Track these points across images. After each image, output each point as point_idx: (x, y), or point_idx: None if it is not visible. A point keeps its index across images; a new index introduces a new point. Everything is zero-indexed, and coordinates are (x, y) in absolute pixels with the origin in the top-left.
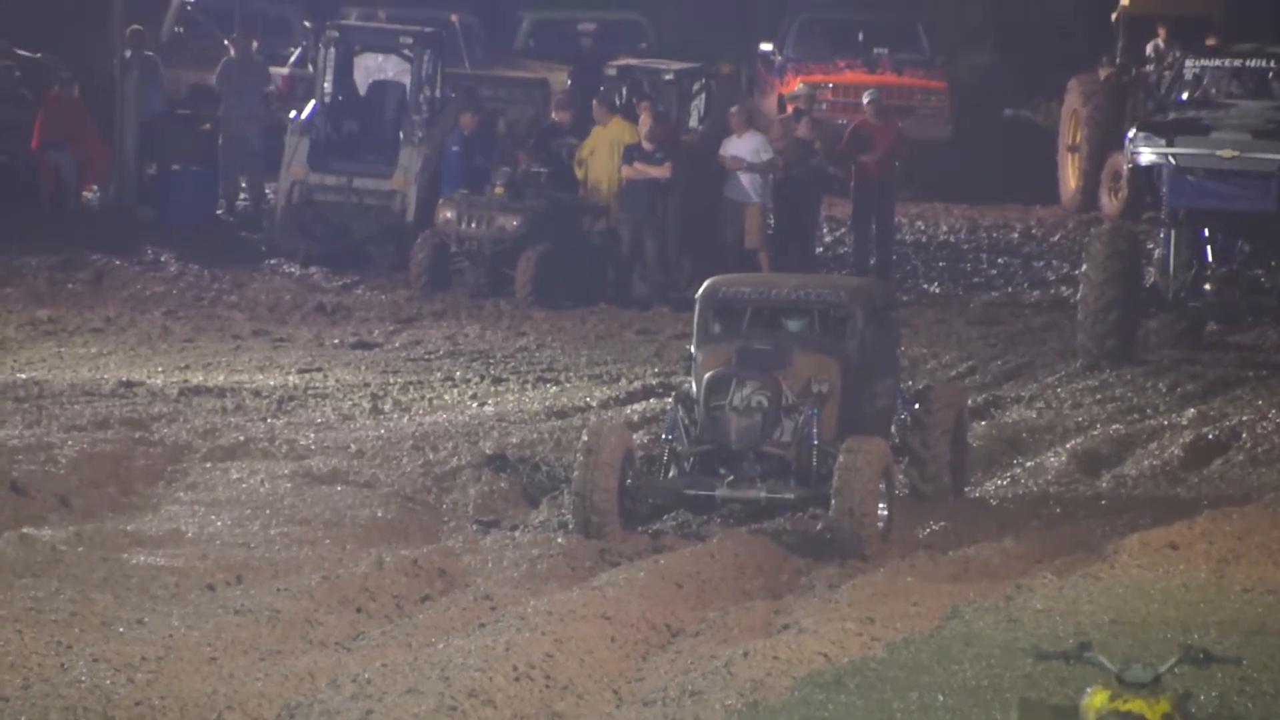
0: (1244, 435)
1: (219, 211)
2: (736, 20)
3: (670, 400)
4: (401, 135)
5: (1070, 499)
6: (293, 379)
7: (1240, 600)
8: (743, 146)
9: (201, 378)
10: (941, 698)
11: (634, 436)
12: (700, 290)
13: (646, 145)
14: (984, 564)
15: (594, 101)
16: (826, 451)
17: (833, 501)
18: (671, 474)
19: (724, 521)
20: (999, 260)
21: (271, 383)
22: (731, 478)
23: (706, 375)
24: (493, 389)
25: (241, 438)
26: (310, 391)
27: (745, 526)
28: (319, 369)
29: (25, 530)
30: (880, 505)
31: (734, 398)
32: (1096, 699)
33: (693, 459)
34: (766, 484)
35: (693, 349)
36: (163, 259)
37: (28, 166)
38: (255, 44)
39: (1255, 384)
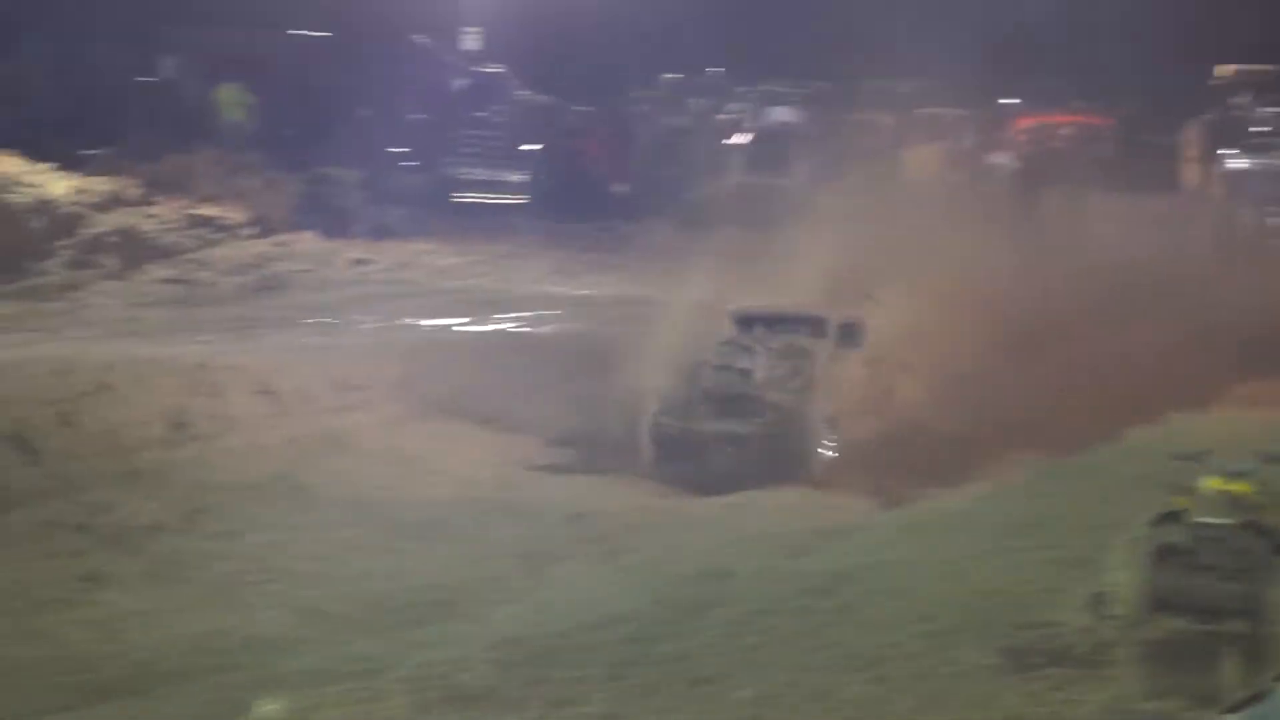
0: None
1: None
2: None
3: (687, 366)
4: None
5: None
6: None
7: None
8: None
9: None
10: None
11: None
12: (729, 310)
13: None
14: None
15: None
16: (801, 404)
17: (779, 433)
18: (685, 413)
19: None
20: None
21: None
22: (727, 418)
23: (716, 344)
24: None
25: None
26: None
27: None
28: None
29: None
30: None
31: (732, 360)
32: (1212, 483)
33: (700, 404)
34: (751, 422)
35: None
36: None
37: None
38: None
39: None
